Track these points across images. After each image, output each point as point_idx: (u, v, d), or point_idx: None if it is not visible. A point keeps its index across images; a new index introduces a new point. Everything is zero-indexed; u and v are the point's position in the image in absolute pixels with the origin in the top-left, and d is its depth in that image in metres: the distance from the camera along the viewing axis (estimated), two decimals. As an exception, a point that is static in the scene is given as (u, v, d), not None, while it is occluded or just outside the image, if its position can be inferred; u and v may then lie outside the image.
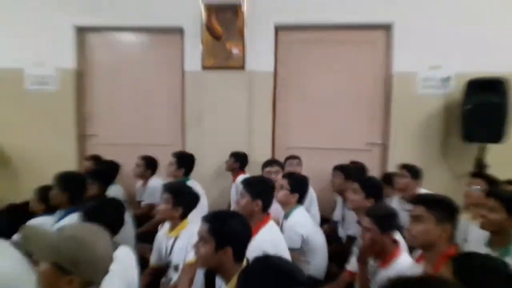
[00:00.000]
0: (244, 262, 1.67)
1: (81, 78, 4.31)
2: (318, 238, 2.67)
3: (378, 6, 3.84)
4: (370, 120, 4.10)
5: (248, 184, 2.35)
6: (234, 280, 1.59)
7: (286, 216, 2.68)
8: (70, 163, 4.17)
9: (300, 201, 2.74)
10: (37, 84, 4.21)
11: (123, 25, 4.17)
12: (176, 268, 2.26)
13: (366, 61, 4.04)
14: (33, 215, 2.68)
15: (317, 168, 3.95)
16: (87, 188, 2.76)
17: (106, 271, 1.35)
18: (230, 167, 3.83)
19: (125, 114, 4.35)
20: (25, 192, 3.23)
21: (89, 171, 3.26)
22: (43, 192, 2.74)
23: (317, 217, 3.44)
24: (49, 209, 2.67)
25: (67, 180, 2.58)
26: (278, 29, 4.08)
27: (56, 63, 4.17)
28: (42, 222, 2.53)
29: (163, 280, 2.32)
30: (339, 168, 3.44)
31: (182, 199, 2.34)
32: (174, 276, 2.26)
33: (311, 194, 3.39)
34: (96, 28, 4.24)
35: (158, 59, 4.28)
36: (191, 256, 2.16)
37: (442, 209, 1.74)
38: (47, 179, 2.74)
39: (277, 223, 2.59)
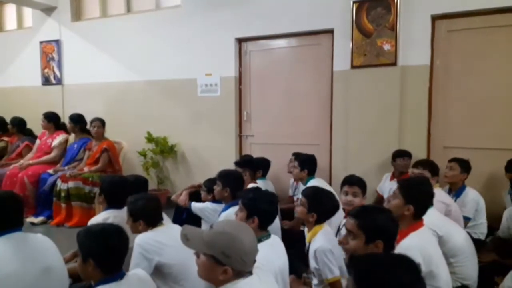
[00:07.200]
0: None
1: (239, 84, 4.81)
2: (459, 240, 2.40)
3: None
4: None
5: (404, 186, 2.23)
6: None
7: None
8: (231, 160, 4.69)
9: None
10: (206, 91, 4.90)
11: (276, 33, 4.47)
12: (313, 273, 2.24)
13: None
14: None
15: (484, 172, 3.51)
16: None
17: (253, 261, 1.49)
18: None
19: (276, 115, 4.66)
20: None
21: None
22: (210, 184, 3.18)
23: (483, 227, 3.11)
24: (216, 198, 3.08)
25: (227, 178, 2.94)
26: (435, 18, 3.76)
27: (220, 73, 4.78)
28: (204, 207, 3.07)
29: (304, 275, 2.41)
30: None
31: (316, 207, 2.27)
32: (313, 280, 2.25)
33: (479, 202, 3.11)
34: (252, 38, 4.67)
35: (308, 61, 4.43)
36: (334, 273, 2.10)
37: None
38: (213, 173, 3.18)
39: None
